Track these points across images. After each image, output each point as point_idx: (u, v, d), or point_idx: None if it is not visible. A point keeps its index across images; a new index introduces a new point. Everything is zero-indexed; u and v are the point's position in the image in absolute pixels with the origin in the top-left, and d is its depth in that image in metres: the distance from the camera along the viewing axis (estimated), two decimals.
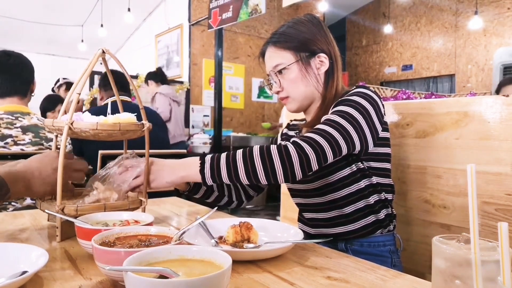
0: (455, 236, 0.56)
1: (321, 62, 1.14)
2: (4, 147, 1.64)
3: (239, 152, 0.95)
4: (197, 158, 0.98)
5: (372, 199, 1.09)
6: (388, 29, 7.17)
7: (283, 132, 1.36)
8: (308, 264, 0.80)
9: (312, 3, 6.52)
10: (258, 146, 0.96)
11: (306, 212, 1.20)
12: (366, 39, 8.27)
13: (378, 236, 1.11)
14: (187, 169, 0.97)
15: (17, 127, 1.70)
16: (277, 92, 1.18)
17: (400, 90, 5.87)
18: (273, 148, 0.94)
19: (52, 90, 4.60)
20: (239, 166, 0.93)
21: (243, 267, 0.77)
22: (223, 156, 0.96)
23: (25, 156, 1.89)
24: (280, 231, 0.97)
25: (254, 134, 6.53)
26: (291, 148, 0.92)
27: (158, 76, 4.75)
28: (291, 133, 1.32)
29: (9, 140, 1.67)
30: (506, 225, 0.43)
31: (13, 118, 1.70)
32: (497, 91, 2.71)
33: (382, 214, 1.10)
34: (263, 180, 0.93)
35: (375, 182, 1.09)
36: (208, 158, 0.97)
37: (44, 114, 3.44)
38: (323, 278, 0.73)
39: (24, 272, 0.64)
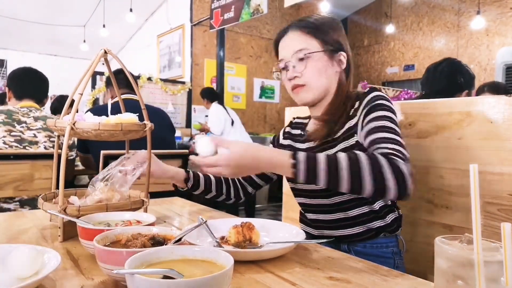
0: (458, 237, 0.56)
1: (340, 61, 1.14)
2: (21, 131, 2.06)
3: (344, 160, 0.85)
4: (287, 155, 0.88)
5: (377, 204, 1.08)
6: (390, 29, 7.15)
7: (285, 130, 1.34)
8: (310, 265, 0.80)
9: (314, 3, 6.51)
10: (365, 155, 0.86)
11: (309, 213, 1.19)
12: (368, 39, 8.26)
13: (381, 238, 1.10)
14: (278, 169, 0.90)
15: (30, 117, 2.12)
16: (293, 78, 1.11)
17: (402, 90, 5.86)
18: (384, 162, 0.85)
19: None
20: (343, 175, 0.84)
21: (244, 267, 0.77)
22: (323, 160, 0.86)
23: (27, 156, 1.93)
24: (282, 231, 0.97)
25: (256, 134, 6.54)
26: (404, 167, 0.85)
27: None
28: (295, 131, 1.29)
29: (24, 125, 2.08)
30: (509, 226, 0.43)
31: (28, 110, 2.15)
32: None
33: (388, 219, 1.09)
34: (369, 194, 0.85)
35: None
36: (302, 158, 0.86)
37: (54, 114, 3.49)
38: (325, 279, 0.72)
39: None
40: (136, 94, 2.53)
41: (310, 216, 1.19)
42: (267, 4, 4.38)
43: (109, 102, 1.16)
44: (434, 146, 1.23)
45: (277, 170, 0.90)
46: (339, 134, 1.08)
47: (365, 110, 1.05)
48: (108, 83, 2.65)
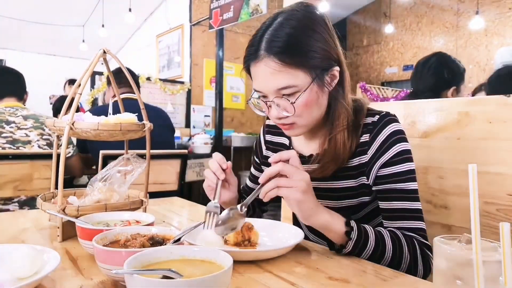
0: (457, 237, 0.56)
1: (332, 76, 0.92)
2: (11, 131, 2.02)
3: (389, 244, 0.85)
4: (342, 221, 0.85)
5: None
6: (389, 29, 7.16)
7: (266, 139, 1.17)
8: (309, 264, 0.80)
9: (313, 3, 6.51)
10: (406, 241, 0.86)
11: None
12: (367, 39, 8.26)
13: None
14: (332, 227, 0.85)
15: (18, 116, 2.08)
16: (279, 118, 0.92)
17: (401, 90, 5.87)
18: (418, 253, 0.87)
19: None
20: (385, 258, 0.85)
21: (244, 267, 0.77)
22: (372, 236, 0.84)
23: (26, 156, 1.92)
24: (281, 231, 0.97)
25: (255, 134, 6.53)
26: (431, 255, 0.87)
27: None
28: (277, 139, 1.13)
29: (13, 125, 2.03)
30: (508, 226, 0.43)
31: (14, 109, 2.09)
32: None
33: None
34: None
35: None
36: (355, 227, 0.84)
37: (55, 115, 3.55)
38: (324, 278, 0.73)
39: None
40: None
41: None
42: (266, 4, 4.38)
43: (111, 101, 1.16)
44: (433, 146, 1.23)
45: (332, 228, 0.84)
46: (346, 165, 0.96)
47: (381, 152, 0.92)
48: (109, 81, 2.65)
